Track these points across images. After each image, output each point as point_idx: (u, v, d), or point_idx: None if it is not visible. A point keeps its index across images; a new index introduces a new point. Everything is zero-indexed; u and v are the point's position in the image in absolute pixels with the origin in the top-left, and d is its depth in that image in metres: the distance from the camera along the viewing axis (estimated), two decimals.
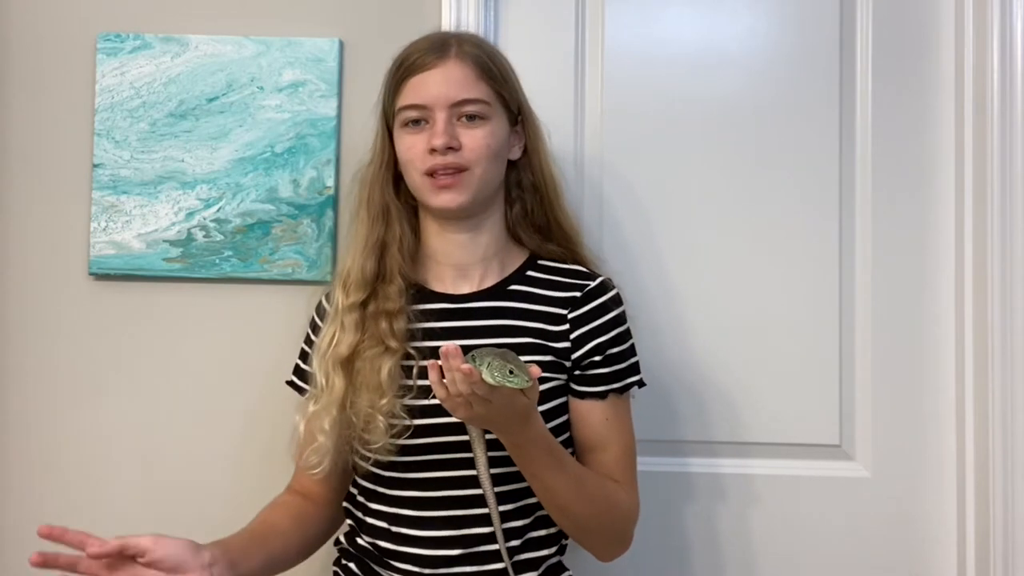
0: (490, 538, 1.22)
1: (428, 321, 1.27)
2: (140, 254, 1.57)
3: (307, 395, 1.31)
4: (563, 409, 1.28)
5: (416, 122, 1.26)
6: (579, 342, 1.27)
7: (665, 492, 1.57)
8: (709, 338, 1.57)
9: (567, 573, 1.32)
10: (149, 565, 1.08)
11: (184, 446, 1.57)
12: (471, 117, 1.25)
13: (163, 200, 1.57)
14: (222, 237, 1.56)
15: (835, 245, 1.58)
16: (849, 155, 1.58)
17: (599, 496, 1.23)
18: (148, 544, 1.08)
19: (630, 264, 1.57)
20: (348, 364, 1.25)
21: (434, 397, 1.09)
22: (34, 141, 1.60)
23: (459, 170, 1.24)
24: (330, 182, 1.56)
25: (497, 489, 1.20)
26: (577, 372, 1.27)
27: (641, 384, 1.32)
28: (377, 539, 1.27)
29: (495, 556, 1.22)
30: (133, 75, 1.58)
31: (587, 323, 1.27)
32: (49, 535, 1.07)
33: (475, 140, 1.25)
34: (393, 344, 1.24)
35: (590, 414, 1.28)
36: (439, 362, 1.05)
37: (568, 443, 1.28)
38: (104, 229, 1.57)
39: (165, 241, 1.57)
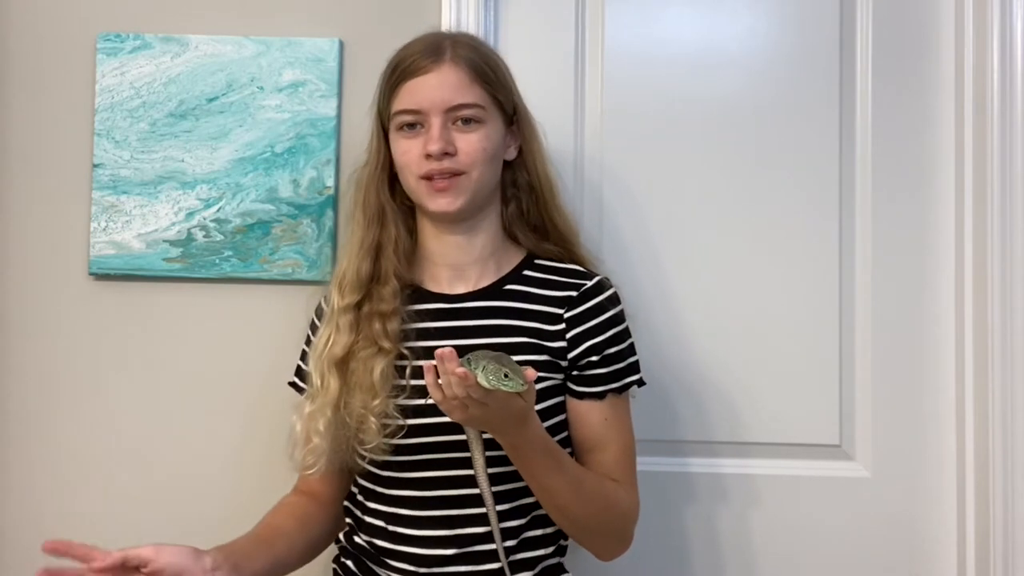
0: (485, 538, 1.23)
1: (423, 321, 1.27)
2: (140, 254, 1.57)
3: (304, 396, 1.31)
4: (560, 408, 1.28)
5: (411, 126, 1.26)
6: (575, 342, 1.27)
7: (665, 492, 1.57)
8: (709, 338, 1.57)
9: (566, 575, 1.32)
10: (152, 574, 1.10)
11: (184, 446, 1.57)
12: (466, 121, 1.25)
13: (163, 200, 1.57)
14: (222, 237, 1.56)
15: (835, 245, 1.58)
16: (849, 155, 1.58)
17: (598, 496, 1.23)
18: (150, 554, 1.10)
19: (630, 264, 1.57)
20: (343, 365, 1.26)
21: (429, 398, 1.09)
22: (34, 141, 1.60)
23: (455, 174, 1.25)
24: (330, 182, 1.56)
25: (494, 488, 1.21)
26: (575, 372, 1.27)
27: (640, 383, 1.32)
28: (374, 538, 1.28)
29: (490, 556, 1.23)
30: (133, 75, 1.58)
31: (583, 323, 1.27)
32: (54, 550, 1.08)
33: (470, 144, 1.25)
34: (386, 345, 1.24)
35: (589, 414, 1.28)
36: (435, 363, 1.05)
37: (566, 442, 1.28)
38: (104, 229, 1.57)
39: (165, 241, 1.57)
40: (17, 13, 1.61)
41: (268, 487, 1.36)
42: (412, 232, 1.34)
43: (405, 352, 1.25)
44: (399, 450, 1.23)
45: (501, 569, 1.22)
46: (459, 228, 1.30)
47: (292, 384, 1.38)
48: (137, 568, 1.10)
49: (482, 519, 1.22)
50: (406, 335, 1.26)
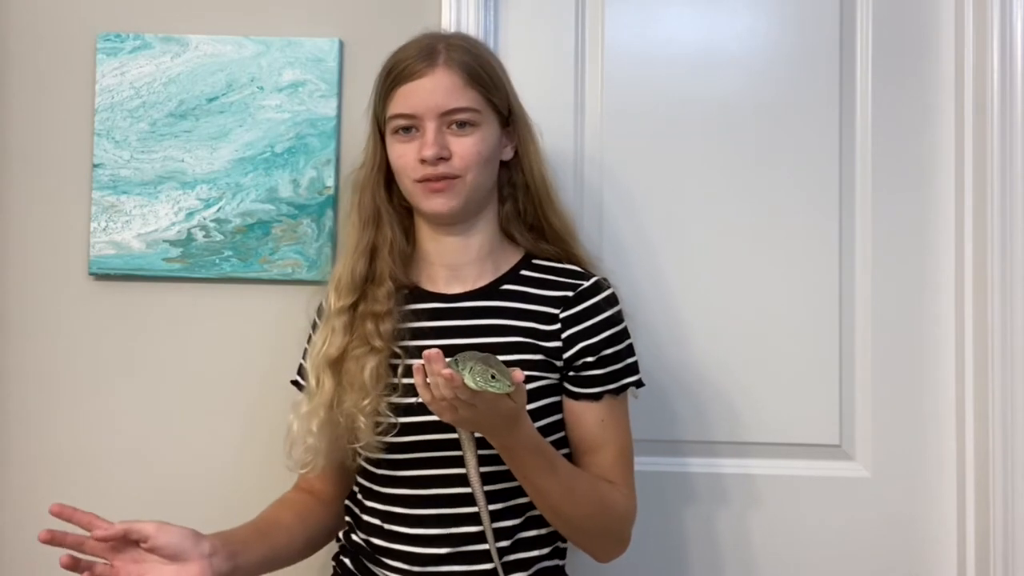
0: (478, 537, 1.23)
1: (419, 321, 1.28)
2: (140, 254, 1.57)
3: (301, 395, 1.32)
4: (554, 408, 1.28)
5: (406, 130, 1.27)
6: (570, 342, 1.27)
7: (665, 492, 1.57)
8: (710, 338, 1.57)
9: None
10: (151, 550, 1.12)
11: (184, 446, 1.57)
12: (461, 124, 1.25)
13: (163, 200, 1.57)
14: (222, 237, 1.56)
15: (835, 245, 1.58)
16: (849, 155, 1.58)
17: (593, 498, 1.23)
18: (151, 530, 1.12)
19: (630, 264, 1.57)
20: (337, 365, 1.27)
21: (420, 398, 1.09)
22: (34, 141, 1.60)
23: (451, 178, 1.25)
24: (330, 182, 1.56)
25: (487, 488, 1.21)
26: (570, 373, 1.27)
27: (639, 385, 1.32)
28: (371, 536, 1.28)
29: (484, 556, 1.23)
30: (133, 75, 1.58)
31: (579, 323, 1.27)
32: (60, 514, 1.12)
33: (465, 148, 1.25)
34: (378, 344, 1.25)
35: (585, 415, 1.27)
36: (423, 363, 1.06)
37: (562, 443, 1.29)
38: (104, 229, 1.57)
39: (165, 241, 1.57)
40: (17, 13, 1.61)
41: (268, 487, 1.37)
42: (409, 233, 1.34)
43: (399, 351, 1.26)
44: (392, 448, 1.24)
45: (495, 569, 1.22)
46: (456, 229, 1.30)
47: (294, 383, 1.38)
48: (138, 542, 1.12)
49: (476, 518, 1.22)
50: (400, 334, 1.26)
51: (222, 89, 1.57)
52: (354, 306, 1.29)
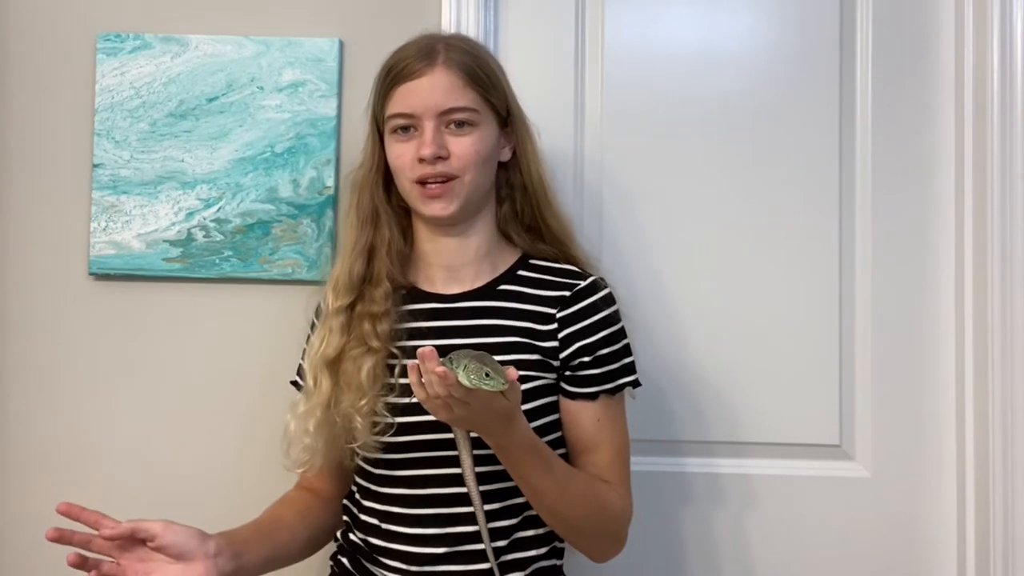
0: (475, 537, 1.23)
1: (416, 321, 1.28)
2: (140, 254, 1.57)
3: (299, 395, 1.32)
4: (551, 408, 1.28)
5: (405, 129, 1.27)
6: (567, 341, 1.27)
7: (663, 492, 1.57)
8: (710, 338, 1.57)
9: None
10: (157, 549, 1.13)
11: (184, 446, 1.57)
12: (459, 124, 1.26)
13: (163, 200, 1.57)
14: (222, 237, 1.56)
15: (835, 245, 1.58)
16: (849, 155, 1.58)
17: (589, 497, 1.23)
18: (158, 529, 1.13)
19: (630, 264, 1.57)
20: (334, 365, 1.27)
21: (415, 397, 1.09)
22: (34, 141, 1.60)
23: (448, 178, 1.25)
24: (330, 182, 1.56)
25: (484, 488, 1.21)
26: (567, 372, 1.27)
27: (636, 385, 1.31)
28: (368, 536, 1.28)
29: (482, 555, 1.23)
30: (133, 75, 1.58)
31: (575, 323, 1.27)
32: (67, 513, 1.12)
33: (464, 148, 1.25)
34: (375, 344, 1.25)
35: (581, 415, 1.28)
36: (417, 362, 1.06)
37: (559, 443, 1.29)
38: (104, 229, 1.57)
39: (165, 241, 1.57)
40: (17, 13, 1.61)
41: (268, 486, 1.37)
42: (406, 234, 1.34)
43: (396, 352, 1.26)
44: (389, 448, 1.24)
45: (491, 569, 1.22)
46: (454, 230, 1.31)
47: (294, 383, 1.38)
48: (144, 541, 1.13)
49: (473, 518, 1.22)
50: (398, 335, 1.27)
51: (222, 89, 1.57)
52: (351, 306, 1.29)
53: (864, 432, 1.57)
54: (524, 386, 1.18)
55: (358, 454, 1.26)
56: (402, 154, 1.27)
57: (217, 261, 1.56)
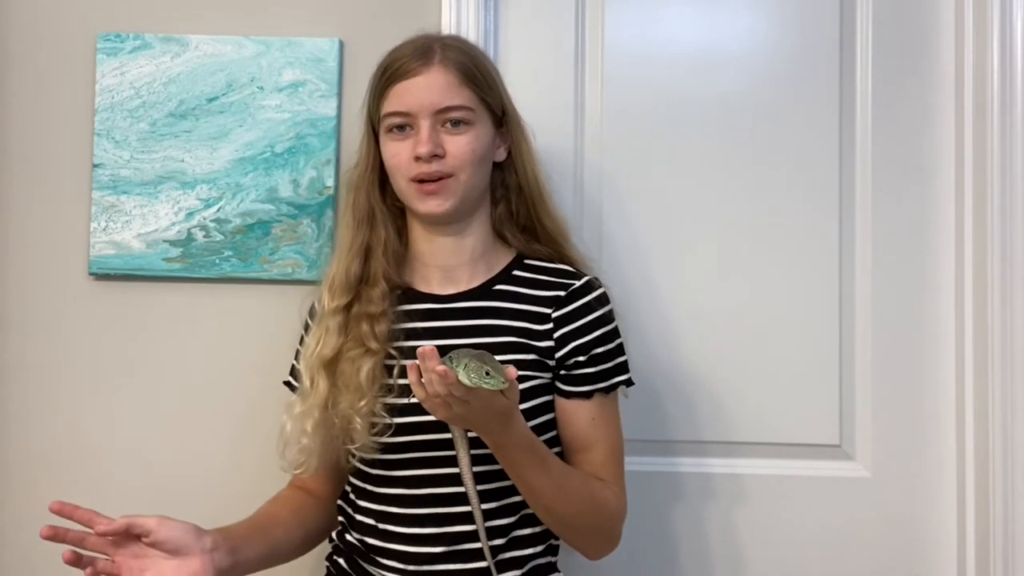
0: (473, 536, 1.23)
1: (412, 322, 1.28)
2: (140, 254, 1.57)
3: (295, 396, 1.32)
4: (547, 408, 1.28)
5: (401, 128, 1.27)
6: (562, 341, 1.27)
7: (658, 492, 1.57)
8: (710, 338, 1.57)
9: (557, 575, 1.32)
10: (153, 545, 1.13)
11: (183, 445, 1.57)
12: (455, 123, 1.26)
13: (163, 200, 1.57)
14: (222, 237, 1.56)
15: (835, 245, 1.58)
16: (849, 155, 1.58)
17: (584, 496, 1.23)
18: (153, 525, 1.13)
19: (631, 264, 1.57)
20: (331, 366, 1.27)
21: (414, 397, 1.09)
22: (34, 141, 1.60)
23: (444, 177, 1.25)
24: (330, 182, 1.56)
25: (481, 487, 1.21)
26: (562, 372, 1.28)
27: (629, 383, 1.32)
28: (365, 536, 1.28)
29: (479, 554, 1.23)
30: (133, 75, 1.58)
31: (571, 322, 1.28)
32: (60, 511, 1.12)
33: (459, 147, 1.26)
34: (374, 346, 1.25)
35: (576, 414, 1.28)
36: (418, 362, 1.06)
37: (553, 442, 1.29)
38: (104, 229, 1.57)
39: (165, 241, 1.57)
40: (17, 13, 1.61)
41: (267, 486, 1.37)
42: (402, 234, 1.34)
43: (393, 352, 1.26)
44: (387, 448, 1.24)
45: (488, 567, 1.23)
46: (449, 230, 1.31)
47: (287, 383, 1.38)
48: (139, 537, 1.12)
49: (470, 517, 1.22)
50: (395, 336, 1.27)
51: (222, 89, 1.57)
52: (348, 306, 1.29)
53: (864, 432, 1.57)
54: (521, 386, 1.18)
55: (355, 455, 1.26)
56: (398, 152, 1.27)
57: (217, 261, 1.56)
